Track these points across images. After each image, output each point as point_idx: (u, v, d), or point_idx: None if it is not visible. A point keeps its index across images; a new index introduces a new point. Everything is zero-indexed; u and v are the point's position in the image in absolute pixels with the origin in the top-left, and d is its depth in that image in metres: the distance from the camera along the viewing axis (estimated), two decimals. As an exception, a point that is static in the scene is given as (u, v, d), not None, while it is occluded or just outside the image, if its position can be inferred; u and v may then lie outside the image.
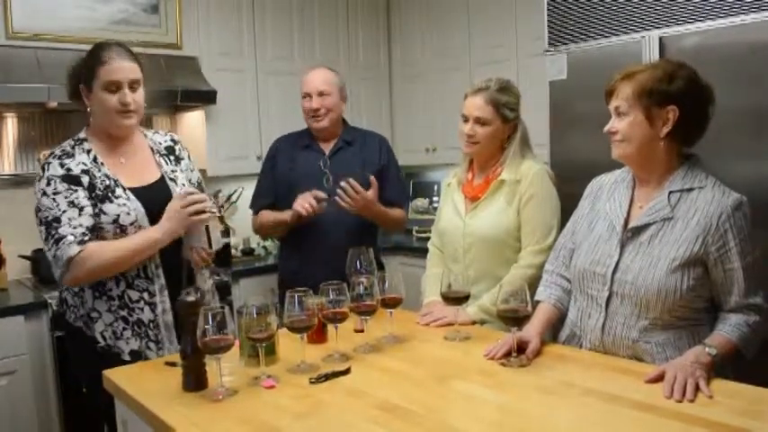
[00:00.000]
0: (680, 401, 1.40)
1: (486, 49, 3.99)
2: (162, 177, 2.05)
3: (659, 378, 1.49)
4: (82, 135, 1.99)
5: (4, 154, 3.37)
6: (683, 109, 1.61)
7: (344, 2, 4.43)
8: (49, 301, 2.86)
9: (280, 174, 2.72)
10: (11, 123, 3.38)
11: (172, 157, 2.12)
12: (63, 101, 3.03)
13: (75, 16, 3.31)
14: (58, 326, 2.13)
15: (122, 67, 1.92)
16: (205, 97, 3.63)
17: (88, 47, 1.99)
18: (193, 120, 3.89)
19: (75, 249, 1.81)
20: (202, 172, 3.81)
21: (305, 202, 2.48)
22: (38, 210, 1.88)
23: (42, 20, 3.23)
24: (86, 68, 1.93)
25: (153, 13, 3.60)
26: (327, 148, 2.71)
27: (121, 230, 1.90)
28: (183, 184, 2.07)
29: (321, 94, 2.63)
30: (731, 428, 1.28)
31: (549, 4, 2.97)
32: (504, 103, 2.12)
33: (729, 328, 1.59)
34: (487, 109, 2.12)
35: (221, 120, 3.83)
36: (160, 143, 2.12)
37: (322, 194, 2.50)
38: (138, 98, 1.95)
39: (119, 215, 1.89)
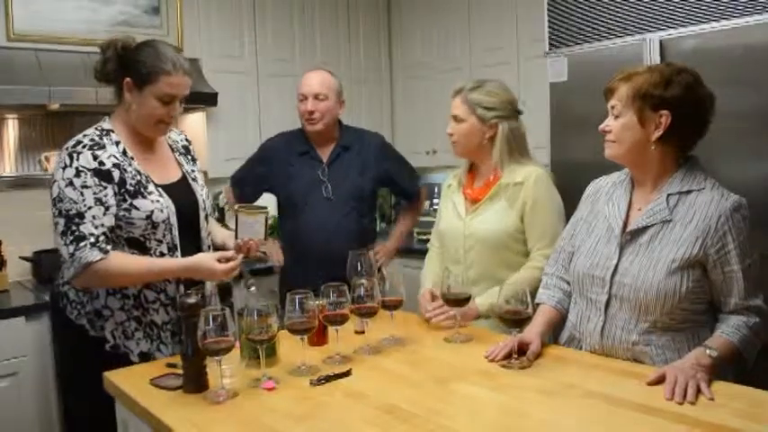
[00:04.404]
0: (681, 404, 1.40)
1: (486, 51, 3.99)
2: (184, 176, 2.05)
3: (660, 380, 1.49)
4: (107, 125, 1.93)
5: (5, 156, 3.37)
6: (676, 115, 1.61)
7: (345, 4, 4.43)
8: (46, 299, 2.82)
9: (278, 185, 2.71)
10: (12, 125, 3.38)
11: (189, 157, 2.13)
12: (64, 102, 3.07)
13: (76, 18, 3.31)
14: (54, 323, 2.04)
15: (184, 83, 1.90)
16: (206, 99, 3.62)
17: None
18: (194, 121, 3.89)
19: (96, 255, 1.77)
20: (203, 173, 3.85)
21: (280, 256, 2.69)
22: (59, 199, 1.80)
23: (43, 22, 3.23)
24: (146, 68, 1.86)
25: (154, 14, 3.61)
26: (325, 154, 2.68)
27: (153, 227, 1.88)
28: (203, 185, 2.09)
29: (317, 97, 2.59)
30: (732, 431, 1.28)
31: (549, 5, 2.97)
32: (478, 102, 2.11)
33: (730, 330, 1.58)
34: (462, 107, 2.14)
35: (222, 121, 3.83)
36: (177, 141, 2.12)
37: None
38: (178, 110, 1.94)
39: (152, 211, 1.87)
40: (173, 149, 2.08)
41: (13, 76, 3.02)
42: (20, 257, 3.29)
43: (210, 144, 3.81)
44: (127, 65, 1.89)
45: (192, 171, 2.09)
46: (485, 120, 2.12)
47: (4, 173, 3.35)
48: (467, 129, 2.14)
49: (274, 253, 2.69)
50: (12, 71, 3.04)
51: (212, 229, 2.16)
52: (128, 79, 1.88)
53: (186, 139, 2.17)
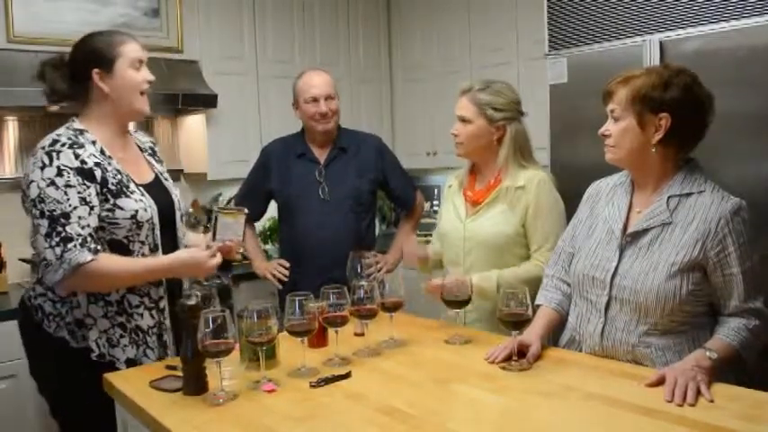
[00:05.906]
0: (681, 405, 1.40)
1: (486, 52, 3.99)
2: (157, 177, 2.02)
3: (660, 382, 1.49)
4: (78, 125, 1.87)
5: (4, 157, 3.37)
6: (676, 117, 1.60)
7: (345, 6, 4.44)
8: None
9: (276, 188, 2.71)
10: (12, 127, 3.38)
11: (157, 158, 2.10)
12: (64, 104, 3.06)
13: (75, 20, 3.31)
14: (27, 340, 1.97)
15: (140, 46, 1.91)
16: (206, 101, 3.63)
17: None
18: (194, 123, 3.90)
19: (87, 256, 1.70)
20: (203, 175, 3.86)
21: (275, 271, 2.71)
22: (40, 200, 1.72)
23: (43, 24, 3.23)
24: (108, 48, 1.85)
25: (154, 16, 3.61)
26: (322, 156, 2.70)
27: (137, 227, 1.83)
28: (175, 185, 2.07)
29: (328, 97, 2.63)
30: (732, 433, 1.27)
31: (549, 7, 2.97)
32: (487, 103, 2.10)
33: (730, 333, 1.58)
34: (470, 108, 2.12)
35: (222, 123, 3.83)
36: (144, 142, 2.09)
37: (285, 263, 2.71)
38: (151, 76, 1.93)
39: (137, 211, 1.82)
40: (141, 150, 2.05)
41: (13, 77, 3.02)
42: (19, 259, 3.28)
43: (210, 146, 3.81)
44: (83, 66, 1.85)
45: (162, 172, 2.06)
46: (493, 121, 2.11)
47: (4, 175, 3.36)
48: (474, 130, 2.12)
49: (277, 274, 2.70)
50: (11, 73, 3.04)
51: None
52: (96, 70, 1.84)
53: (152, 142, 2.14)
